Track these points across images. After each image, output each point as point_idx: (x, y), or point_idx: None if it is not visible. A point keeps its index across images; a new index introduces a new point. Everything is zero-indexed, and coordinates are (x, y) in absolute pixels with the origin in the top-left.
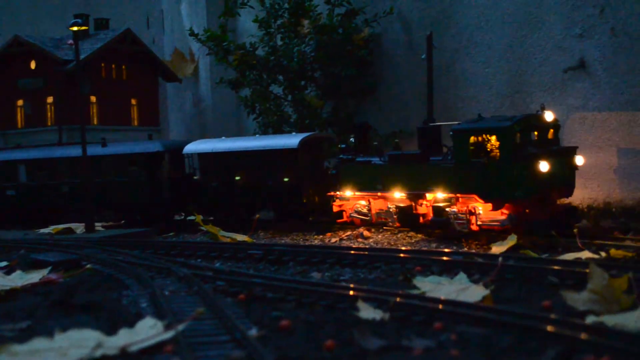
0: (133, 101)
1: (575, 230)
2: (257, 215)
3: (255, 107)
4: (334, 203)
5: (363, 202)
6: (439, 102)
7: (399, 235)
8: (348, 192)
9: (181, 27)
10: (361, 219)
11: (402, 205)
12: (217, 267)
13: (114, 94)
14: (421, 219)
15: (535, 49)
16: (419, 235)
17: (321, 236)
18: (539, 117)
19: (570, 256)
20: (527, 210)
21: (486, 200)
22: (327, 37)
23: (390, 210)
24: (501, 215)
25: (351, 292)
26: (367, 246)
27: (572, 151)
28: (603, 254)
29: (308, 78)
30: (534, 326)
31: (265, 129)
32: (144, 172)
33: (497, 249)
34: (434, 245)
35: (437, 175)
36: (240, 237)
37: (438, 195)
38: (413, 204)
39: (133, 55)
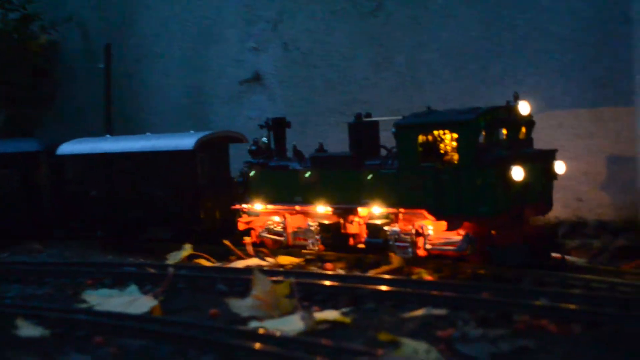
0: None
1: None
2: None
3: None
4: (239, 219)
5: (277, 219)
6: (120, 113)
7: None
8: (258, 206)
9: None
10: (274, 240)
11: (326, 222)
12: None
13: None
14: (352, 240)
15: (214, 61)
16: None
17: None
18: (509, 110)
19: (240, 264)
20: (492, 232)
21: (438, 218)
22: (1, 43)
23: (312, 228)
24: (457, 236)
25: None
26: (40, 261)
27: (551, 155)
28: (271, 259)
29: None
30: (193, 335)
31: None
32: (18, 178)
33: (172, 259)
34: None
35: (374, 184)
36: None
37: (374, 210)
38: (341, 221)
39: None
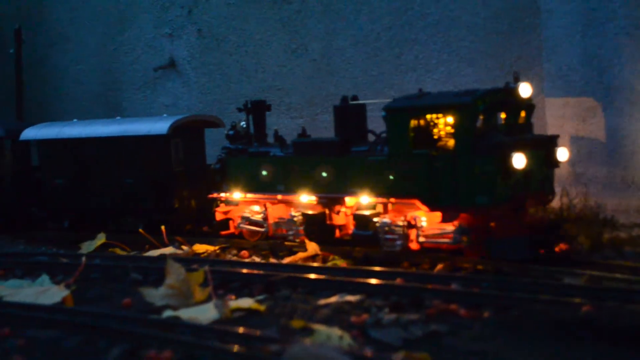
0: None
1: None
2: None
3: None
4: (217, 209)
5: (257, 208)
6: (31, 99)
7: None
8: (237, 194)
9: None
10: (253, 231)
11: (311, 212)
12: None
13: None
14: (338, 232)
15: (127, 47)
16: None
17: None
18: (509, 93)
19: (155, 253)
20: (492, 224)
21: (433, 208)
22: None
23: (295, 219)
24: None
25: None
26: None
27: (552, 142)
28: (185, 248)
29: None
30: (104, 325)
31: None
32: None
33: (85, 248)
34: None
35: (362, 172)
36: None
37: (362, 200)
38: (327, 212)
39: None
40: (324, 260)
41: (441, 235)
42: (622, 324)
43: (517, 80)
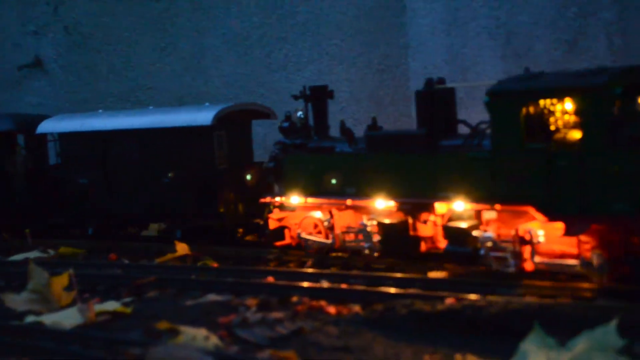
0: None
1: None
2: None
3: None
4: (270, 215)
5: (320, 215)
6: None
7: None
8: (295, 198)
9: None
10: (316, 242)
11: (389, 221)
12: None
13: None
14: (424, 245)
15: None
16: None
17: None
18: None
19: (20, 257)
20: (635, 239)
21: (552, 218)
22: None
23: (368, 229)
24: (580, 246)
25: None
26: None
27: None
28: (51, 251)
29: None
30: None
31: None
32: None
33: None
34: None
35: (456, 171)
36: None
37: (456, 207)
38: (410, 220)
39: None
40: (195, 261)
41: (565, 254)
42: (482, 315)
43: None
